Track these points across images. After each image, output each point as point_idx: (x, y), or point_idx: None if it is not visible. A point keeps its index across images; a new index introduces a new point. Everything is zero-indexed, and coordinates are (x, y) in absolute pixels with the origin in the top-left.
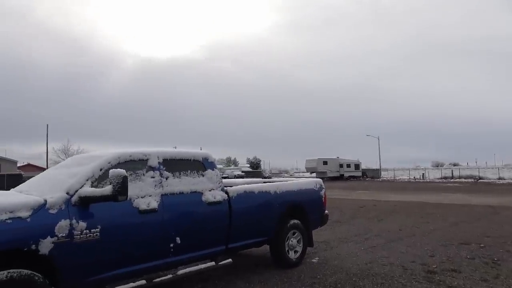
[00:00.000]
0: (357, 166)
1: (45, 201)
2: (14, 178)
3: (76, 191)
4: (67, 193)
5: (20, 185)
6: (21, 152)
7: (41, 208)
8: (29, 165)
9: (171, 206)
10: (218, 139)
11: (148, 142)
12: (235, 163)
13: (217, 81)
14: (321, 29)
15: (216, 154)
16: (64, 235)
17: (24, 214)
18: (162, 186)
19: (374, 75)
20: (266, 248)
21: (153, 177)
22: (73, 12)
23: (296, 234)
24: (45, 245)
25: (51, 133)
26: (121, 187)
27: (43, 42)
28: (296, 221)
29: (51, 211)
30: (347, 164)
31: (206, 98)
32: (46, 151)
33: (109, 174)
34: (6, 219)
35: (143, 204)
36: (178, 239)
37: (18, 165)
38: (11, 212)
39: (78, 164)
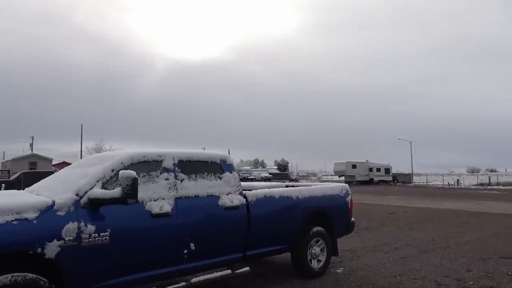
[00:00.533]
0: (387, 170)
1: (53, 202)
2: (47, 175)
3: (86, 192)
4: (77, 194)
5: (33, 185)
6: (58, 150)
7: (48, 210)
8: (64, 163)
9: (186, 210)
10: (246, 141)
11: (177, 142)
12: (262, 165)
13: (246, 83)
14: (352, 31)
15: (244, 156)
16: (71, 238)
17: (31, 215)
18: (176, 189)
19: (406, 78)
20: (287, 255)
21: (167, 179)
22: (109, 16)
23: (320, 242)
24: (52, 249)
25: (86, 132)
26: (131, 189)
27: (80, 45)
28: (319, 228)
29: (59, 213)
30: (377, 168)
31: (235, 99)
32: (80, 149)
33: (119, 176)
34: (11, 220)
35: (155, 207)
36: (192, 245)
37: (54, 162)
38: (17, 213)
39: (91, 164)
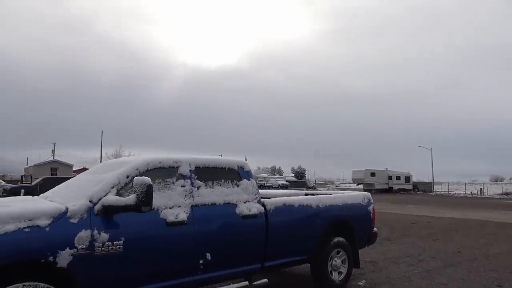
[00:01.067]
0: (407, 179)
1: (67, 209)
2: (64, 180)
3: (100, 199)
4: (90, 201)
5: (48, 191)
6: (79, 156)
7: (61, 217)
8: (84, 168)
9: (202, 218)
10: (263, 148)
11: (194, 149)
12: (279, 172)
13: (263, 90)
14: (371, 38)
15: (261, 163)
16: (84, 246)
17: (43, 222)
18: (192, 196)
19: (427, 84)
20: (306, 267)
21: (184, 186)
22: (129, 25)
23: (341, 253)
24: (64, 257)
25: (106, 138)
26: (146, 196)
27: (101, 53)
28: (340, 239)
29: (71, 220)
30: (396, 176)
31: (252, 106)
32: (100, 155)
33: (133, 182)
34: (24, 228)
35: (171, 215)
36: (208, 255)
37: (74, 168)
38: (30, 220)
39: (106, 170)
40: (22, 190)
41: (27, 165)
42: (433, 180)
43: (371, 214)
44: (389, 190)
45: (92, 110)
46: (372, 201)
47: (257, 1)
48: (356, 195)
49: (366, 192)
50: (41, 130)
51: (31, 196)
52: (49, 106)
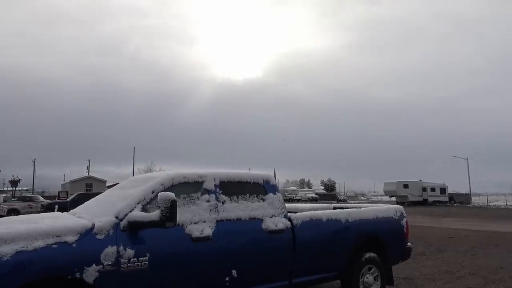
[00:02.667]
0: (442, 190)
1: (93, 225)
2: None
3: (126, 215)
4: (116, 217)
5: (77, 207)
6: (112, 172)
7: (88, 233)
8: (116, 184)
9: (227, 233)
10: (292, 161)
11: (223, 163)
12: (309, 185)
13: (290, 103)
14: (397, 46)
15: (290, 176)
16: (110, 263)
17: (70, 238)
18: (217, 211)
19: (458, 93)
20: (336, 284)
21: (208, 201)
22: (158, 44)
23: (373, 270)
24: (90, 273)
25: (138, 155)
26: (170, 212)
27: (132, 73)
28: (372, 254)
29: (98, 236)
30: (431, 188)
31: (280, 119)
32: (132, 171)
33: (158, 198)
34: (51, 244)
35: (196, 231)
36: (234, 272)
37: (107, 184)
38: (57, 236)
39: (132, 186)
40: (56, 206)
41: (64, 181)
42: (470, 191)
43: (404, 228)
44: (424, 203)
45: (125, 128)
46: (404, 214)
47: (281, 14)
48: (387, 209)
49: (398, 205)
50: (78, 147)
51: (60, 213)
52: (84, 124)
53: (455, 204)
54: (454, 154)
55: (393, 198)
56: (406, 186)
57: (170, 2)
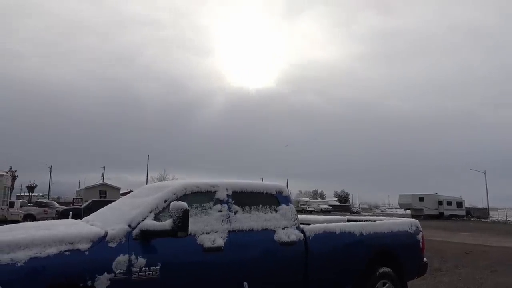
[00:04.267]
0: (459, 204)
1: (106, 233)
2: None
3: (138, 223)
4: (129, 226)
5: (91, 214)
6: (126, 180)
7: (100, 241)
8: (130, 191)
9: (239, 244)
10: (305, 171)
11: (236, 172)
12: (322, 196)
13: (303, 113)
14: (410, 57)
15: (303, 186)
16: (122, 271)
17: (83, 246)
18: (229, 222)
19: (474, 104)
20: None
21: (221, 211)
22: (173, 55)
23: (387, 285)
24: (102, 282)
25: (151, 163)
26: (182, 221)
27: (147, 82)
28: (387, 269)
29: (110, 244)
30: (447, 201)
31: (293, 130)
32: (146, 179)
33: (170, 207)
34: (65, 251)
35: (208, 241)
36: (245, 284)
37: (121, 191)
38: (70, 243)
39: (145, 194)
40: (71, 213)
41: (79, 188)
42: (488, 206)
43: (420, 243)
44: (440, 216)
45: (140, 136)
46: (420, 228)
47: (294, 25)
48: (402, 222)
49: (413, 219)
50: (93, 155)
51: (73, 220)
52: (100, 132)
53: (472, 219)
54: (471, 166)
55: (408, 211)
56: (421, 199)
57: (185, 14)
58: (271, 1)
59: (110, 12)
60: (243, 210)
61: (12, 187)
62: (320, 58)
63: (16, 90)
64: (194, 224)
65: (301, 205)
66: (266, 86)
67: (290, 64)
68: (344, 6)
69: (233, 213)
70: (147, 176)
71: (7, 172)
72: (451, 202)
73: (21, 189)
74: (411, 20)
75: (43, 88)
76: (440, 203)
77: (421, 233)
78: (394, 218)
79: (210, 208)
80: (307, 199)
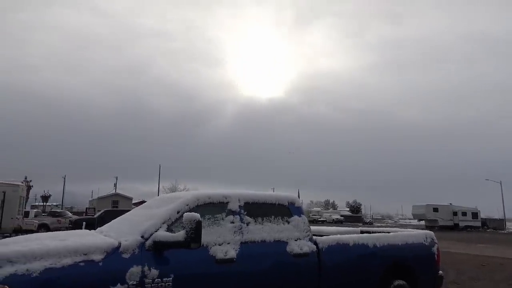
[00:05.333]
0: (474, 215)
1: (119, 244)
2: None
3: (151, 234)
4: (142, 237)
5: (104, 225)
6: (138, 190)
7: (114, 252)
8: (142, 201)
9: (251, 256)
10: (316, 181)
11: (247, 183)
12: (333, 206)
13: (314, 123)
14: (421, 67)
15: (314, 197)
16: (134, 282)
17: (97, 257)
18: (242, 233)
19: (489, 113)
20: None
21: (233, 222)
22: (182, 66)
23: None
24: None
25: (163, 173)
26: (195, 233)
27: (158, 94)
28: (401, 282)
29: (123, 255)
30: (462, 212)
31: (303, 140)
32: (157, 189)
33: (183, 218)
34: (79, 262)
35: (220, 252)
36: None
37: (133, 201)
38: (85, 254)
39: (157, 205)
40: (84, 223)
41: (91, 197)
42: (504, 217)
43: (436, 255)
44: (454, 227)
45: (151, 146)
46: (436, 240)
47: (304, 34)
48: (417, 234)
49: (428, 231)
50: (106, 165)
51: (88, 230)
52: (113, 143)
53: (488, 230)
54: (486, 176)
55: (422, 222)
56: (435, 209)
57: (195, 25)
58: (280, 12)
59: (122, 26)
60: (255, 221)
61: (27, 197)
62: (331, 68)
63: (31, 103)
64: (207, 236)
65: (312, 215)
66: (276, 96)
67: (301, 74)
68: (354, 16)
69: (245, 224)
70: (158, 186)
71: (22, 182)
72: (466, 212)
73: (35, 199)
74: (421, 30)
75: (57, 100)
76: (455, 213)
77: (436, 245)
78: (408, 229)
79: (223, 219)
80: (318, 209)
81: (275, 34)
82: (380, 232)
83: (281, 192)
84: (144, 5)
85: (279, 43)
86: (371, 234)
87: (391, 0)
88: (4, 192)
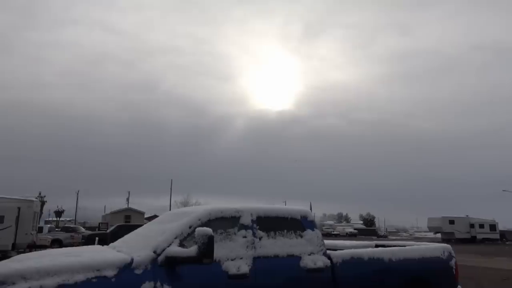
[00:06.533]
0: (492, 227)
1: (132, 259)
2: (136, 228)
3: (163, 250)
4: (154, 252)
5: (117, 240)
6: (150, 204)
7: (127, 268)
8: (155, 216)
9: (264, 271)
10: (328, 194)
11: (259, 196)
12: (347, 219)
13: (324, 135)
14: (432, 78)
15: (327, 210)
16: None
17: (110, 273)
18: (254, 248)
19: (504, 123)
20: None
21: (245, 237)
22: (192, 81)
23: None
24: None
25: (174, 187)
26: (207, 248)
27: (169, 108)
28: None
29: (136, 271)
30: (479, 224)
31: (315, 152)
32: (169, 203)
33: (195, 233)
34: (92, 278)
35: (233, 267)
36: None
37: (146, 216)
38: (97, 270)
39: (169, 220)
40: (97, 238)
41: (104, 212)
42: None
43: (454, 269)
44: (472, 240)
45: (163, 161)
46: (453, 254)
47: (313, 47)
48: (434, 248)
49: (446, 244)
50: (118, 180)
51: (100, 246)
52: (124, 157)
53: (507, 242)
54: (503, 187)
55: (438, 235)
56: (452, 222)
57: (203, 40)
58: (289, 26)
59: (133, 42)
60: (268, 235)
61: (41, 213)
62: (340, 80)
63: (46, 119)
64: (219, 250)
65: (325, 228)
66: (287, 109)
67: (310, 86)
68: (362, 28)
69: (258, 239)
70: (170, 200)
71: (36, 198)
72: (483, 225)
73: (49, 214)
74: (431, 41)
75: (71, 116)
76: (472, 226)
77: (454, 259)
78: (424, 243)
79: (235, 233)
80: (331, 222)
81: (284, 47)
82: (396, 246)
83: (293, 206)
84: (154, 22)
85: (288, 56)
86: (387, 248)
87: (399, 11)
88: (19, 208)
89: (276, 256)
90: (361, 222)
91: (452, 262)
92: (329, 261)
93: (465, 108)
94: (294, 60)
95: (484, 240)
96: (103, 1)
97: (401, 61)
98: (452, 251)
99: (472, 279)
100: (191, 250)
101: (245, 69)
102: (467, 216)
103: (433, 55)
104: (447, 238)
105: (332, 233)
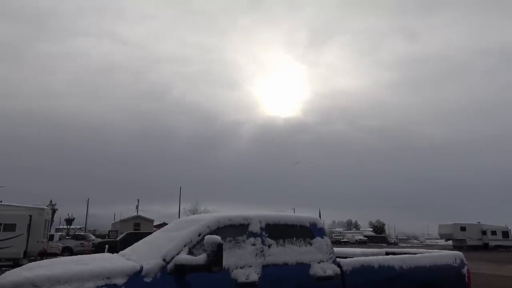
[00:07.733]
0: (505, 234)
1: (141, 267)
2: (145, 236)
3: (173, 258)
4: (164, 260)
5: (127, 248)
6: (159, 212)
7: (136, 276)
8: (164, 223)
9: (274, 279)
10: (337, 201)
11: (268, 203)
12: (356, 226)
13: (332, 142)
14: (440, 84)
15: (336, 217)
16: None
17: (119, 281)
18: (263, 256)
19: None
20: None
21: (254, 245)
22: (201, 89)
23: None
24: None
25: (184, 194)
26: (216, 256)
27: (177, 117)
28: None
29: (145, 279)
30: (492, 231)
31: (323, 159)
32: (178, 211)
33: (204, 241)
34: (101, 286)
35: (241, 276)
36: None
37: (155, 223)
38: (107, 278)
39: (178, 228)
40: (106, 246)
41: (114, 220)
42: None
43: (466, 277)
44: (484, 247)
45: (172, 168)
46: (465, 261)
47: (320, 54)
48: (446, 255)
49: (457, 252)
50: (128, 187)
51: (110, 254)
52: (134, 165)
53: None
54: None
55: (450, 242)
56: (463, 228)
57: (211, 49)
58: (295, 33)
59: (141, 52)
60: (277, 243)
61: (52, 220)
62: (347, 86)
63: (56, 127)
64: (228, 258)
65: (335, 236)
66: (294, 116)
67: (317, 93)
68: (369, 34)
69: (267, 247)
70: (179, 208)
71: (47, 206)
72: (495, 231)
73: (60, 222)
74: (438, 46)
75: (81, 125)
76: (484, 233)
77: (466, 266)
78: (435, 250)
79: (244, 241)
80: (341, 229)
81: (290, 54)
82: (406, 253)
83: (302, 213)
84: (162, 31)
85: (295, 63)
86: (398, 256)
87: (406, 16)
88: (30, 216)
89: (286, 264)
90: (371, 229)
91: (464, 270)
92: (338, 269)
93: (475, 113)
94: (301, 67)
95: (496, 247)
96: (112, 13)
97: (409, 67)
98: (464, 259)
99: (485, 287)
100: (200, 258)
101: (252, 76)
102: (479, 222)
103: (441, 60)
104: (459, 245)
105: (342, 240)
